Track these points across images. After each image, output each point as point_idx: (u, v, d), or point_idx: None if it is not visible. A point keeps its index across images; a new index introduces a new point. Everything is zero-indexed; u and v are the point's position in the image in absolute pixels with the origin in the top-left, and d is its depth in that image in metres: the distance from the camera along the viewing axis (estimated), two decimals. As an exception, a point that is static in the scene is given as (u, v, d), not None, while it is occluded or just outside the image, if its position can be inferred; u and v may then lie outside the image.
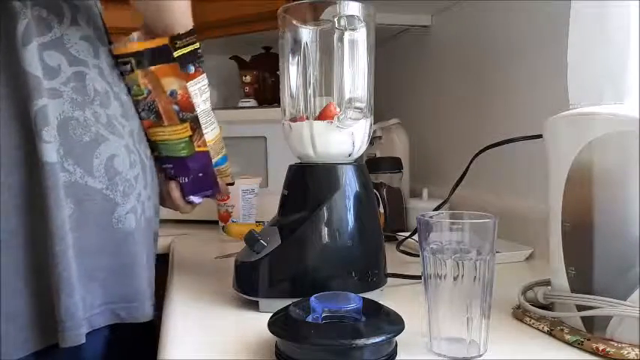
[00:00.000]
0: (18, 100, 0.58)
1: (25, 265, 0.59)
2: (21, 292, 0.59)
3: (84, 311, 0.61)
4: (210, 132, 0.76)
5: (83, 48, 0.64)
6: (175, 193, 0.78)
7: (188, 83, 0.71)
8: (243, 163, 1.38)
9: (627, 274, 0.51)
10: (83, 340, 0.60)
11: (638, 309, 0.50)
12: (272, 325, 0.51)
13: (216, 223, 1.23)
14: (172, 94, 0.71)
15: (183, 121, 0.72)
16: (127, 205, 0.64)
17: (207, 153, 0.76)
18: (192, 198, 0.80)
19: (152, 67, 0.69)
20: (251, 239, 0.66)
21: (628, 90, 0.55)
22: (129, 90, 0.71)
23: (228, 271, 0.71)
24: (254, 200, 1.21)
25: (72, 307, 0.59)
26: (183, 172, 0.77)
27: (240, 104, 1.52)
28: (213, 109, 0.76)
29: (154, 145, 0.75)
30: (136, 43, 0.69)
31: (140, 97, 0.71)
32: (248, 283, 0.67)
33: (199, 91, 0.72)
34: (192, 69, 0.71)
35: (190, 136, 0.73)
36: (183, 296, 0.73)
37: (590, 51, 0.58)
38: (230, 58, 1.66)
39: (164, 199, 0.79)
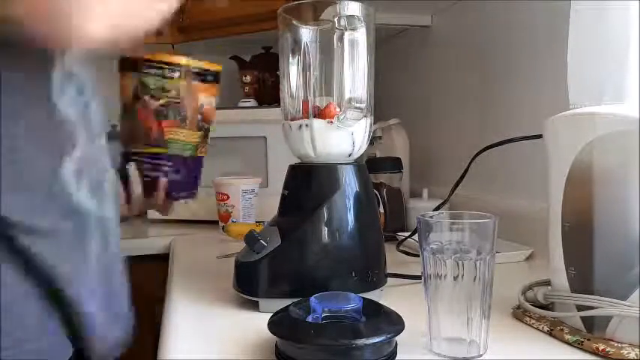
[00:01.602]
0: None
1: None
2: None
3: None
4: None
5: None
6: (162, 192, 0.80)
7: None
8: (243, 163, 1.38)
9: (627, 274, 0.51)
10: None
11: (638, 309, 0.50)
12: (272, 325, 0.51)
13: (216, 223, 1.23)
14: (201, 106, 0.83)
15: (199, 129, 0.83)
16: None
17: (202, 158, 0.87)
18: (180, 194, 0.87)
19: (195, 82, 0.82)
20: (251, 239, 0.66)
21: (628, 90, 0.55)
22: (163, 89, 0.81)
23: (228, 271, 0.71)
24: (254, 200, 1.21)
25: None
26: (178, 171, 0.84)
27: (240, 104, 1.52)
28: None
29: (162, 143, 0.82)
30: (192, 61, 0.81)
31: (173, 100, 0.81)
32: (248, 283, 0.67)
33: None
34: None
35: (198, 143, 0.84)
36: (183, 296, 0.73)
37: (590, 51, 0.58)
38: (230, 58, 1.66)
39: (147, 198, 0.80)
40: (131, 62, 0.86)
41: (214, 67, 0.83)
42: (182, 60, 0.80)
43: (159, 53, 0.81)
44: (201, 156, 0.86)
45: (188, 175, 0.86)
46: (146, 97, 0.83)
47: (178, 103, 0.81)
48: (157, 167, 0.82)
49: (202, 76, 0.84)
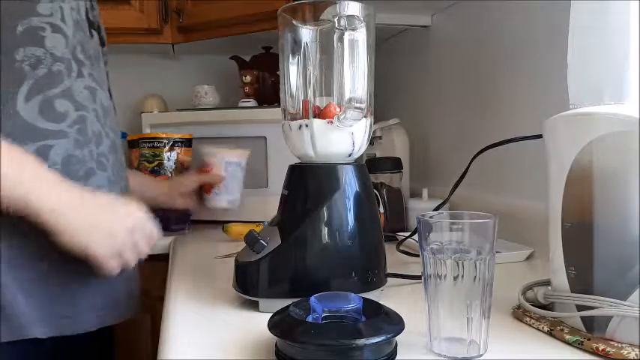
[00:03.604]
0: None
1: None
2: None
3: None
4: None
5: (85, 95, 0.73)
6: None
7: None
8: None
9: (627, 274, 0.51)
10: None
11: (638, 309, 0.50)
12: (272, 325, 0.51)
13: (216, 223, 1.23)
14: (182, 164, 1.28)
15: None
16: None
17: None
18: (173, 227, 1.26)
19: (177, 148, 1.29)
20: (251, 239, 0.66)
21: (628, 90, 0.55)
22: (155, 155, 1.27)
23: (228, 271, 0.71)
24: (239, 174, 1.16)
25: None
26: (173, 210, 1.19)
27: (240, 104, 1.52)
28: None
29: None
30: (171, 134, 1.29)
31: (163, 162, 1.27)
32: (248, 283, 0.67)
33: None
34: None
35: None
36: (183, 296, 0.73)
37: (590, 51, 0.58)
38: (230, 58, 1.66)
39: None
40: (134, 141, 1.30)
41: (187, 136, 1.30)
42: (165, 134, 1.27)
43: (150, 133, 1.30)
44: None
45: (181, 212, 1.21)
46: (145, 163, 1.27)
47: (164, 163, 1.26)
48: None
49: (181, 143, 1.28)
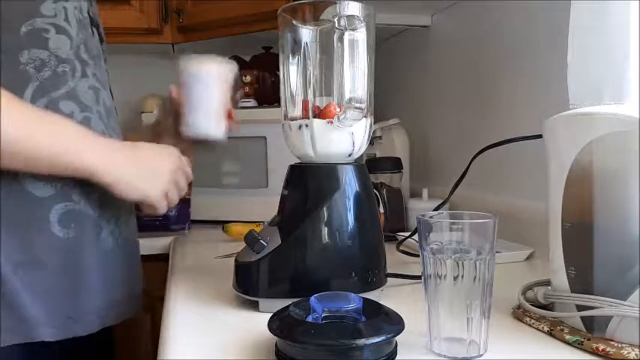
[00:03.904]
0: None
1: None
2: None
3: None
4: None
5: (89, 96, 0.73)
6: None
7: None
8: (243, 163, 1.38)
9: (627, 274, 0.51)
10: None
11: (638, 309, 0.50)
12: (272, 325, 0.51)
13: (216, 223, 1.23)
14: None
15: None
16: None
17: (189, 199, 1.32)
18: (174, 227, 1.29)
19: None
20: (251, 239, 0.66)
21: (628, 90, 0.55)
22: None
23: (228, 271, 0.71)
24: (215, 93, 0.86)
25: None
26: (173, 210, 1.24)
27: (241, 104, 1.52)
28: None
29: None
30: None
31: None
32: (248, 283, 0.67)
33: None
34: None
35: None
36: (183, 296, 0.73)
37: (590, 51, 0.58)
38: (230, 58, 1.66)
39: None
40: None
41: None
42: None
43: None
44: (188, 198, 1.28)
45: (181, 212, 1.26)
46: None
47: None
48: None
49: None
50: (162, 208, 0.74)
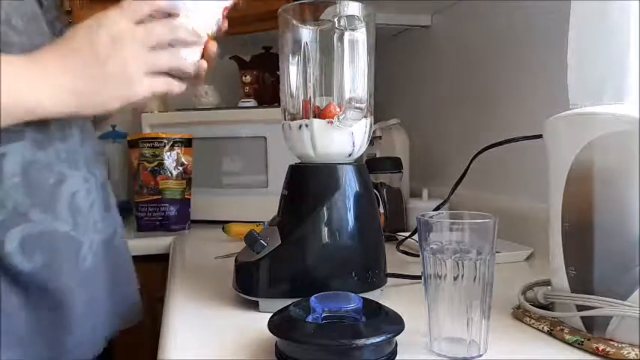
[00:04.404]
0: None
1: None
2: None
3: None
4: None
5: None
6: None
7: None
8: (243, 163, 1.38)
9: (627, 274, 0.51)
10: None
11: (638, 309, 0.50)
12: (272, 325, 0.51)
13: (216, 223, 1.23)
14: (182, 164, 1.28)
15: (183, 179, 1.29)
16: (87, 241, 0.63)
17: (189, 199, 1.30)
18: (174, 227, 1.28)
19: (177, 148, 1.29)
20: (251, 239, 0.66)
21: (628, 90, 0.55)
22: (155, 155, 1.27)
23: (228, 271, 0.71)
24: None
25: None
26: (173, 209, 1.27)
27: (240, 104, 1.52)
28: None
29: (159, 192, 1.26)
30: (172, 133, 1.29)
31: (163, 162, 1.26)
32: (248, 283, 0.67)
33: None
34: None
35: (184, 188, 1.29)
36: (183, 296, 0.73)
37: (590, 51, 0.58)
38: (230, 58, 1.66)
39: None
40: (134, 141, 1.29)
41: (187, 136, 1.30)
42: (165, 134, 1.27)
43: (150, 133, 1.30)
44: (188, 198, 1.29)
45: (181, 212, 1.27)
46: (145, 163, 1.27)
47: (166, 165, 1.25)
48: (158, 208, 1.25)
49: (181, 143, 1.28)
50: (144, 93, 0.55)
